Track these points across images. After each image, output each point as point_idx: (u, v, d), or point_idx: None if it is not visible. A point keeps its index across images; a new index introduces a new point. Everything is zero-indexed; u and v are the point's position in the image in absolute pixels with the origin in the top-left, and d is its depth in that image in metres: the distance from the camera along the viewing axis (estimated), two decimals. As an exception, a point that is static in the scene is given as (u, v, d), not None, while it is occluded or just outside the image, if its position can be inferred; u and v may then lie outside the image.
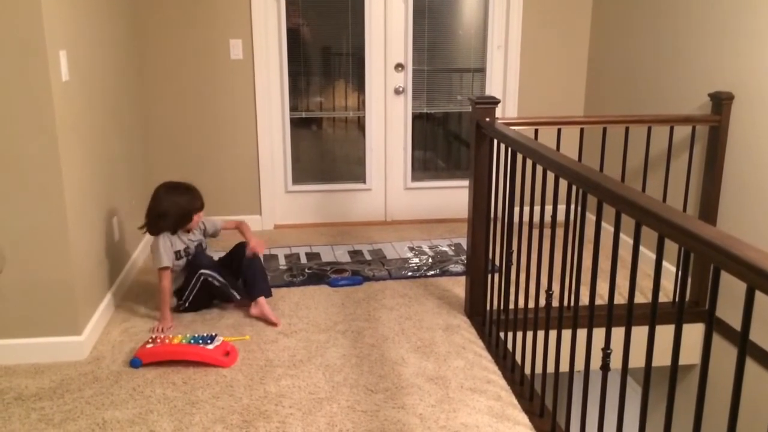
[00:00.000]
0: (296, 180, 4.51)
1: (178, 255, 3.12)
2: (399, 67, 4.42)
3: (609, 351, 1.87)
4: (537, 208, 2.43)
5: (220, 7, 4.07)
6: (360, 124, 4.56)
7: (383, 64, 4.40)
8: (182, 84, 4.15)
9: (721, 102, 3.02)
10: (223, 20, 4.09)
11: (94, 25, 3.13)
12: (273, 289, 3.29)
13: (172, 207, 3.06)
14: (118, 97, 3.50)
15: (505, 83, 4.48)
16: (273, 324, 3.06)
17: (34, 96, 2.49)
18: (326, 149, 4.67)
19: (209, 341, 2.71)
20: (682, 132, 3.25)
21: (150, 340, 2.73)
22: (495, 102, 2.83)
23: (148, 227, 3.12)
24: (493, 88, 4.51)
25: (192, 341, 2.71)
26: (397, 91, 4.45)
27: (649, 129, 3.20)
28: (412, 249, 4.07)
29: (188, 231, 3.16)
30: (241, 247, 3.21)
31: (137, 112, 3.95)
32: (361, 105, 4.50)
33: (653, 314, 1.65)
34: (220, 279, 3.11)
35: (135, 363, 2.66)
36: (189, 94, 4.18)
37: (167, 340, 2.71)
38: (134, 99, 3.89)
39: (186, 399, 2.45)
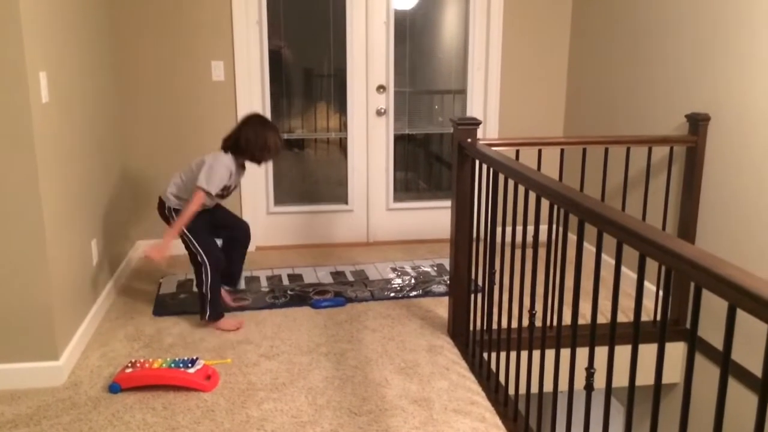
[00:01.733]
0: (278, 201, 4.50)
1: (224, 189, 3.12)
2: (381, 88, 4.45)
3: (593, 371, 1.88)
4: (519, 228, 2.45)
5: (201, 29, 4.08)
6: (342, 145, 4.57)
7: (365, 85, 4.43)
8: (163, 105, 4.14)
9: (698, 123, 3.07)
10: (205, 41, 4.10)
11: (75, 46, 3.11)
12: (254, 312, 3.25)
13: (270, 138, 3.09)
14: (98, 119, 3.47)
15: (485, 104, 4.52)
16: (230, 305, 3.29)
17: (14, 117, 2.46)
18: (308, 170, 4.67)
19: (190, 365, 2.67)
20: (660, 152, 3.30)
21: (129, 365, 2.68)
22: (476, 123, 2.86)
23: (229, 145, 3.11)
24: (474, 109, 4.55)
25: (172, 365, 2.67)
26: (378, 113, 4.48)
27: (628, 150, 3.24)
28: (394, 270, 4.06)
29: (244, 168, 3.20)
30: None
31: (117, 134, 3.92)
32: (343, 126, 4.52)
33: (636, 333, 1.66)
34: (215, 269, 3.12)
35: (114, 388, 2.61)
36: (170, 116, 4.16)
37: (147, 365, 2.67)
38: (114, 120, 3.86)
39: (166, 424, 2.41)
